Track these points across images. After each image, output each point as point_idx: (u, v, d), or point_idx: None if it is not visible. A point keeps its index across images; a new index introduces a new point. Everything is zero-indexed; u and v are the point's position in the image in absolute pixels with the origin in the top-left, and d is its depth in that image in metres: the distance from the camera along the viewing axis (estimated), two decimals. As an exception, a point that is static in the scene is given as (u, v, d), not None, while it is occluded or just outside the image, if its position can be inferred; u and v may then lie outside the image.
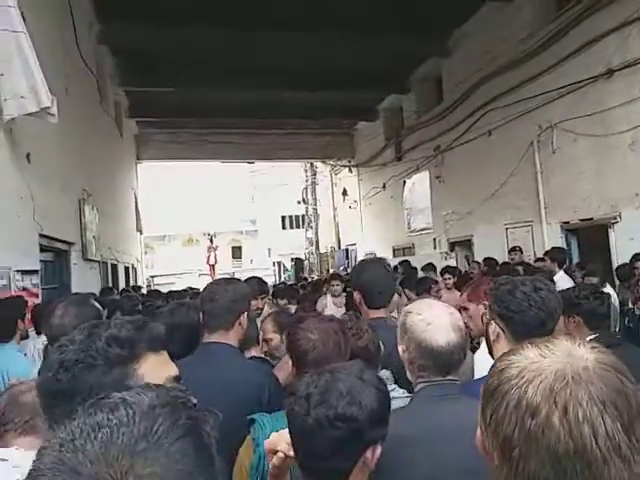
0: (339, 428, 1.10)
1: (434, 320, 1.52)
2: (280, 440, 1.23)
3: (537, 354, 0.65)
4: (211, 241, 25.05)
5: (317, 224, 21.24)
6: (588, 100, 6.63)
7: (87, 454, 0.54)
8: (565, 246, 7.18)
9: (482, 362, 1.96)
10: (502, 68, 8.22)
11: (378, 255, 14.02)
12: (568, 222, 7.27)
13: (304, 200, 21.46)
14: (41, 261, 5.29)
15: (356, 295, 2.47)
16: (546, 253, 6.52)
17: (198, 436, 0.60)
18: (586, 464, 0.58)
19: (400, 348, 1.57)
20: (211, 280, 2.81)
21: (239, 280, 2.41)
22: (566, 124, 7.01)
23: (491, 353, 1.85)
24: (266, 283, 4.34)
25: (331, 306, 5.75)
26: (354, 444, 1.13)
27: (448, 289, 5.95)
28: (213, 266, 23.11)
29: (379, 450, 1.16)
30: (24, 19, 4.73)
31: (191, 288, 8.33)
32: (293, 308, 5.23)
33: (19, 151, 4.60)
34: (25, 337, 3.32)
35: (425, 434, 1.37)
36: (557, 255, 6.17)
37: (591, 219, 6.81)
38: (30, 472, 0.56)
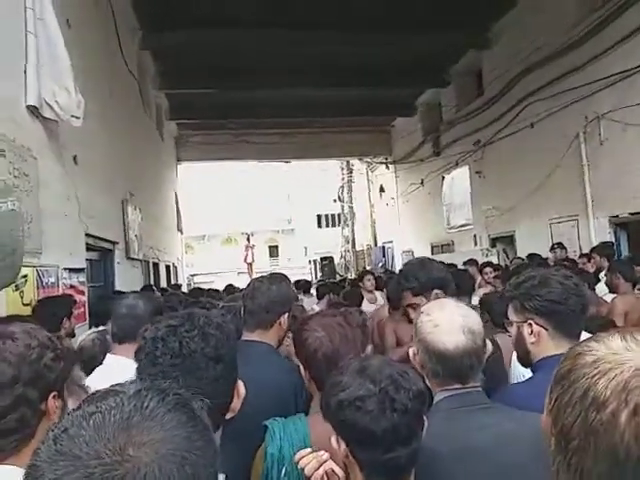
0: (419, 402, 1.13)
1: (442, 321, 1.38)
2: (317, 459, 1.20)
3: (621, 346, 0.58)
4: (248, 240, 25.36)
5: (353, 222, 21.16)
6: (638, 89, 6.34)
7: (82, 439, 0.55)
8: (614, 241, 6.94)
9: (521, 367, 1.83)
10: (545, 59, 7.95)
11: (416, 253, 13.87)
12: (617, 216, 6.98)
13: (340, 198, 21.39)
14: (87, 260, 5.45)
15: (433, 296, 2.08)
16: (592, 249, 6.29)
17: (189, 409, 0.62)
18: None
19: (411, 351, 1.46)
20: (249, 279, 2.80)
21: (285, 279, 2.26)
22: (614, 114, 6.72)
23: (522, 360, 1.69)
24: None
25: (365, 302, 5.70)
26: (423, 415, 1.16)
27: (488, 283, 5.93)
28: (250, 265, 23.37)
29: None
30: (69, 26, 4.90)
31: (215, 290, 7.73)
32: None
33: (67, 153, 4.75)
34: (72, 336, 3.39)
35: (455, 453, 1.24)
36: (605, 251, 5.94)
37: (642, 213, 6.52)
38: (27, 472, 0.56)
